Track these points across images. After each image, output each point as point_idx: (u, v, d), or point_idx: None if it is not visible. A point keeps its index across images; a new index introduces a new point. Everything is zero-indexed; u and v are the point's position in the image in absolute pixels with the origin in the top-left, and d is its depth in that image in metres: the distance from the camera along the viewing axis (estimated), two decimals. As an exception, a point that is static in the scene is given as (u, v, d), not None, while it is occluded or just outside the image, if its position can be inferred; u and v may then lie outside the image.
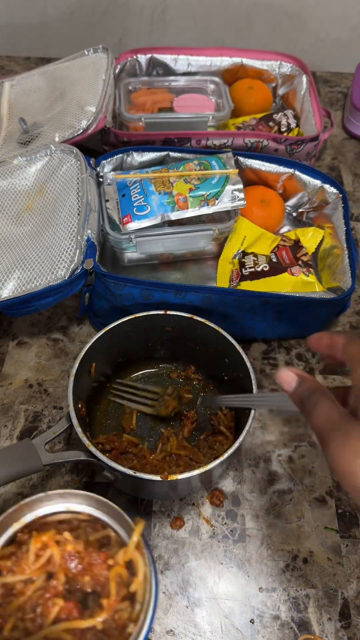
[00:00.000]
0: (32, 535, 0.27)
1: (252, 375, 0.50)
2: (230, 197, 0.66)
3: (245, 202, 0.66)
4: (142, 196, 0.66)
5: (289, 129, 0.81)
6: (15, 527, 0.28)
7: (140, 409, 0.58)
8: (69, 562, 0.27)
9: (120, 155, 0.72)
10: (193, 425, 0.58)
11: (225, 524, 0.54)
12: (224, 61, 0.88)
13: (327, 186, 0.72)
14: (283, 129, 0.81)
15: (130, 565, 0.27)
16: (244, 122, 0.83)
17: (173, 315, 0.56)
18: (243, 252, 0.70)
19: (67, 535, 0.27)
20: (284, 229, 0.77)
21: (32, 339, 0.68)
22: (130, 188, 0.67)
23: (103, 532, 0.28)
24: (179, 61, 0.87)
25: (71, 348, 0.67)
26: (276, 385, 0.64)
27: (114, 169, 0.72)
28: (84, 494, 0.29)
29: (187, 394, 0.61)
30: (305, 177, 0.73)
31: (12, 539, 0.28)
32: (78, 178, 0.64)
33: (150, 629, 0.27)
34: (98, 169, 0.70)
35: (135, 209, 0.65)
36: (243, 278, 0.66)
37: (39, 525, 0.28)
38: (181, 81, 0.86)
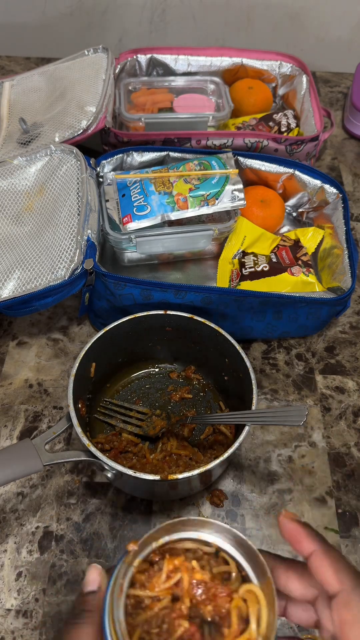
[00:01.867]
0: (165, 557, 0.29)
1: (252, 375, 0.50)
2: (230, 197, 0.66)
3: (245, 202, 0.66)
4: (142, 196, 0.66)
5: (289, 129, 0.81)
6: (154, 545, 0.30)
7: (127, 429, 0.57)
8: (195, 589, 0.29)
9: (120, 155, 0.72)
10: (193, 425, 0.58)
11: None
12: (224, 61, 0.88)
13: (327, 186, 0.72)
14: (283, 129, 0.81)
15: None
16: (244, 122, 0.83)
17: (173, 315, 0.56)
18: (243, 252, 0.70)
19: (194, 564, 0.29)
20: (284, 229, 0.77)
21: (32, 339, 0.68)
22: (130, 188, 0.67)
23: (226, 567, 0.30)
24: (179, 61, 0.87)
25: (71, 348, 0.67)
26: (275, 386, 0.64)
27: (114, 169, 0.72)
28: (224, 527, 0.31)
29: (187, 393, 0.61)
30: (305, 177, 0.73)
31: (146, 557, 0.30)
32: (78, 178, 0.64)
33: None
34: (98, 169, 0.70)
35: (135, 209, 0.65)
36: (243, 278, 0.66)
37: (168, 549, 0.30)
38: (181, 81, 0.86)
